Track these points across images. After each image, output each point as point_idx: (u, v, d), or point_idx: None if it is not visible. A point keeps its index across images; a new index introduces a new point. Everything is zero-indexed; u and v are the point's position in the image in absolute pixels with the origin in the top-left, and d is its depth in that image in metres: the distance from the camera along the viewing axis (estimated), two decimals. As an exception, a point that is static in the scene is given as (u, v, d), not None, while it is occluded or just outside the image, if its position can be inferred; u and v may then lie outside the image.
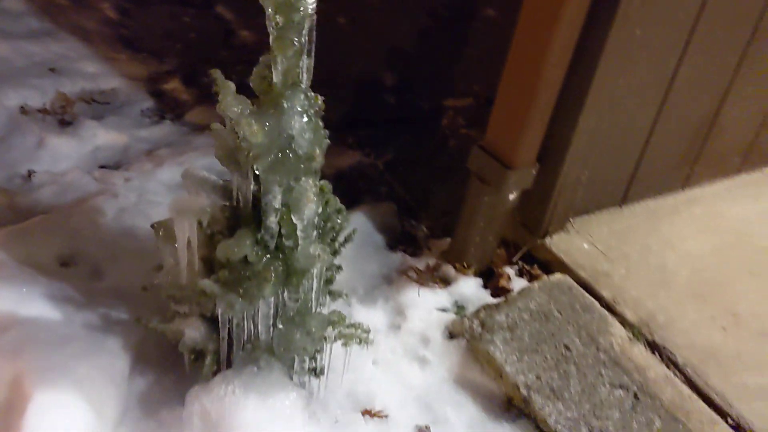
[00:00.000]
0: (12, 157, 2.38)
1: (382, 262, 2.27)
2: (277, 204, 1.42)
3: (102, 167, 2.45)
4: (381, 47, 3.55)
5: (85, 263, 1.94)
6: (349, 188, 2.67)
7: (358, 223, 2.34)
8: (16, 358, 1.43)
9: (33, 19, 3.26)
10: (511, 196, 2.07)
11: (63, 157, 2.43)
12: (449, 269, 2.21)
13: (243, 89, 1.40)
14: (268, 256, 1.47)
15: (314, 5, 1.27)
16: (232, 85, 1.35)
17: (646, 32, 1.84)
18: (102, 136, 2.56)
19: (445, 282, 2.18)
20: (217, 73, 1.34)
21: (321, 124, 1.42)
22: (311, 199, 1.41)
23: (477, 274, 2.20)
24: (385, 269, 2.24)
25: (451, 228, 2.29)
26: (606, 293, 2.02)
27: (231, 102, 1.33)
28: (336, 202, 1.64)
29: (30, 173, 2.33)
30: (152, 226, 1.59)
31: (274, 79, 1.33)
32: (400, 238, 2.43)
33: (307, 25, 1.29)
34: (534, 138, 1.97)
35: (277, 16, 1.26)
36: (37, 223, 1.96)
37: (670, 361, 1.85)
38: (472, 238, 2.15)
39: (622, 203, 2.35)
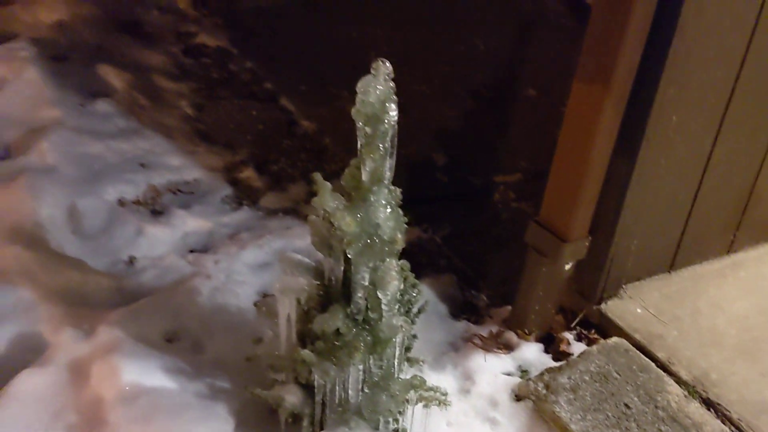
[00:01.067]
0: (114, 245, 2.68)
1: (448, 331, 2.46)
2: (365, 282, 1.65)
3: (192, 251, 2.73)
4: (431, 130, 3.83)
5: (187, 338, 2.19)
6: (410, 262, 2.89)
7: (423, 294, 2.55)
8: (147, 424, 1.67)
9: (120, 119, 3.63)
10: (567, 267, 2.26)
11: (159, 243, 2.72)
12: (511, 336, 2.39)
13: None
14: (357, 327, 1.69)
15: (396, 118, 1.53)
16: (328, 185, 1.60)
17: (682, 118, 2.05)
18: (190, 223, 2.85)
19: (509, 348, 2.36)
20: (317, 176, 1.59)
21: (401, 212, 1.66)
22: (394, 277, 1.63)
23: (538, 340, 2.37)
24: (451, 337, 2.43)
25: (509, 296, 2.48)
26: (661, 354, 2.18)
27: (328, 199, 1.58)
28: (412, 278, 1.87)
29: (132, 259, 2.62)
30: (255, 304, 1.84)
31: (363, 178, 1.58)
32: (462, 308, 2.63)
33: (390, 134, 1.54)
34: (586, 213, 2.17)
35: (367, 128, 1.52)
36: (144, 304, 2.22)
37: (725, 417, 1.98)
38: (532, 306, 2.33)
39: (671, 269, 2.52)
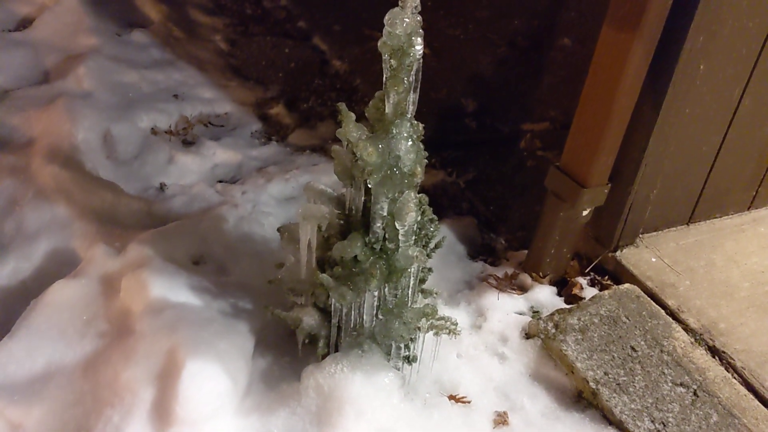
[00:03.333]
0: (147, 172, 2.78)
1: (464, 270, 2.52)
2: (384, 212, 1.71)
3: (220, 181, 2.82)
4: (463, 76, 3.83)
5: (213, 262, 2.29)
6: (433, 204, 2.93)
7: (442, 234, 2.60)
8: (172, 333, 1.76)
9: (156, 50, 3.69)
10: (585, 212, 2.29)
11: (189, 172, 2.81)
12: (526, 278, 2.45)
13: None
14: (374, 256, 1.76)
15: (421, 51, 1.56)
16: (352, 115, 1.65)
17: (711, 67, 2.04)
18: (220, 155, 2.94)
19: (522, 289, 2.42)
20: (342, 106, 1.63)
21: (422, 146, 1.70)
22: (412, 208, 1.68)
23: (552, 283, 2.43)
24: (467, 276, 2.50)
25: (527, 241, 2.52)
26: (671, 302, 2.22)
27: (352, 128, 1.63)
28: (430, 213, 1.92)
29: (162, 185, 2.72)
30: (278, 229, 1.91)
31: (386, 110, 1.62)
32: (480, 249, 2.69)
33: (415, 68, 1.57)
34: (606, 160, 2.18)
35: (392, 60, 1.55)
36: (173, 228, 2.32)
37: (729, 365, 2.03)
38: (548, 250, 2.37)
39: (690, 221, 2.54)
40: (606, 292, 2.28)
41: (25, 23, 3.64)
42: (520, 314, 2.30)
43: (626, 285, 2.30)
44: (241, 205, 2.56)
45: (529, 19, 4.14)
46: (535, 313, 2.30)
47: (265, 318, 2.00)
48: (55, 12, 3.62)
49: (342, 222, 1.82)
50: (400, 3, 1.52)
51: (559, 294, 2.40)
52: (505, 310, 2.29)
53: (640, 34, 1.88)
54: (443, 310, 2.26)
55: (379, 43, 1.55)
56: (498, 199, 2.97)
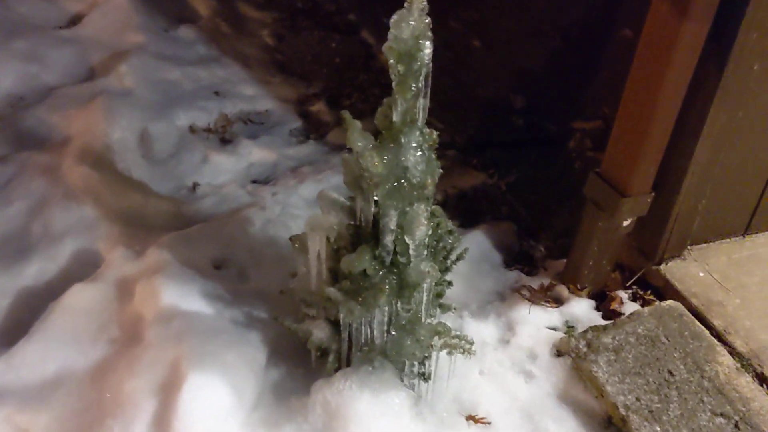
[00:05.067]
0: (181, 171, 2.77)
1: (498, 280, 2.40)
2: (393, 225, 1.62)
3: (254, 182, 2.78)
4: (513, 70, 3.66)
5: (234, 266, 2.25)
6: (470, 208, 2.82)
7: (477, 241, 2.49)
8: (178, 344, 1.73)
9: (202, 47, 3.69)
10: (626, 223, 2.13)
11: (222, 172, 2.79)
12: (563, 290, 2.31)
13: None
14: (384, 270, 1.67)
15: (430, 55, 1.45)
16: (358, 123, 1.56)
17: (765, 66, 1.85)
18: (256, 154, 2.90)
19: (558, 302, 2.28)
20: (346, 114, 1.55)
21: (434, 156, 1.60)
22: (422, 222, 1.59)
23: (590, 296, 2.28)
24: (500, 286, 2.37)
25: (568, 249, 2.38)
26: (717, 322, 2.04)
27: (357, 137, 1.54)
28: (447, 225, 1.81)
29: (195, 185, 2.71)
30: (290, 239, 1.85)
31: (394, 118, 1.53)
32: (517, 257, 2.55)
33: (423, 72, 1.47)
34: (649, 167, 2.02)
35: (399, 66, 1.45)
36: (197, 230, 2.29)
37: (778, 395, 1.85)
38: (586, 261, 2.23)
39: (746, 233, 2.34)
40: (646, 309, 2.12)
41: (75, 20, 3.70)
42: (553, 329, 2.17)
43: (669, 302, 2.13)
44: (270, 207, 2.51)
45: (588, 8, 3.93)
46: (570, 328, 2.17)
47: (280, 328, 1.95)
48: (105, 9, 3.67)
49: (352, 233, 1.74)
50: (406, 5, 1.42)
51: (598, 308, 2.25)
52: (537, 324, 2.17)
53: (686, 26, 1.71)
54: (470, 323, 2.16)
55: (384, 47, 1.45)
56: (541, 203, 2.82)
